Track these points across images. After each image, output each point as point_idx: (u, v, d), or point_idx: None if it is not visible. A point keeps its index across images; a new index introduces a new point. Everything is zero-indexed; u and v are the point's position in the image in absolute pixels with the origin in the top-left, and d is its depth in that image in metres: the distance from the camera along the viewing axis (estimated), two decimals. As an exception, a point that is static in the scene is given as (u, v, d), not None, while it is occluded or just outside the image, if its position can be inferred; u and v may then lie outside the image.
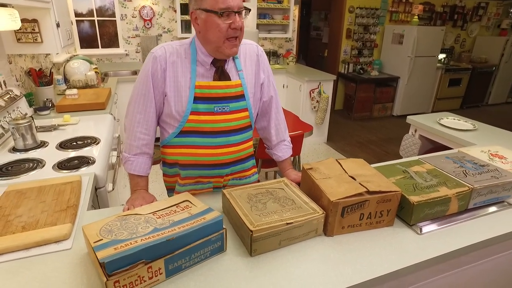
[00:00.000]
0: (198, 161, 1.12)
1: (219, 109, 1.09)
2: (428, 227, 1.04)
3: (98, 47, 4.01)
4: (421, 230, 1.02)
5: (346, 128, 4.97)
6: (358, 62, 5.65)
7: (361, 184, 1.01)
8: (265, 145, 1.36)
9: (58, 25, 2.13)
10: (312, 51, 7.08)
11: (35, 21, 1.98)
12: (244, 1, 3.90)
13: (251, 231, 0.85)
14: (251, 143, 1.22)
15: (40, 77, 2.22)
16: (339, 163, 1.17)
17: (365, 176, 1.07)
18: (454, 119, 2.30)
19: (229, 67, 1.13)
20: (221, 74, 1.11)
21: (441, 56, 5.81)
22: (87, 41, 3.96)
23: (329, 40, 5.78)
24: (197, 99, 1.07)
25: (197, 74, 1.08)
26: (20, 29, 1.93)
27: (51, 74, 2.30)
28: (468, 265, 1.06)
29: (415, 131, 2.37)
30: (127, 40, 4.16)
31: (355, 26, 5.41)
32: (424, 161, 1.32)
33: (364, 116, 5.54)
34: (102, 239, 0.78)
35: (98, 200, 1.42)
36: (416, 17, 5.45)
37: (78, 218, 1.03)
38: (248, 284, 0.79)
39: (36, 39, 1.98)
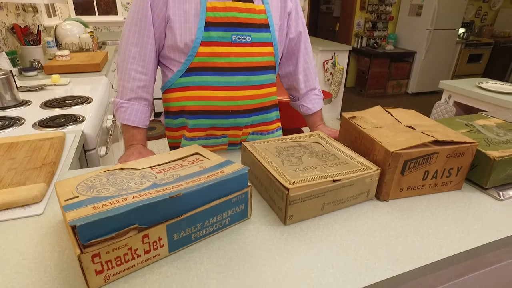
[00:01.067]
0: (210, 107, 0.87)
1: (239, 38, 0.84)
2: (508, 192, 0.80)
3: (94, 14, 3.71)
4: (499, 195, 0.78)
5: (360, 105, 4.69)
6: (372, 36, 5.31)
7: (425, 133, 0.77)
8: (290, 96, 1.11)
9: (43, -28, 1.86)
10: (322, 27, 6.70)
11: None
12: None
13: (287, 189, 0.61)
14: (275, 88, 0.97)
15: (25, 34, 1.96)
16: (388, 112, 0.92)
17: (425, 126, 0.83)
18: (495, 83, 2.03)
19: None
20: None
21: (460, 30, 5.44)
22: (82, 7, 3.66)
23: (342, 12, 5.42)
24: (209, 25, 0.82)
25: None
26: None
27: (38, 33, 2.04)
28: None
29: (449, 97, 2.10)
30: (126, 7, 3.85)
31: (370, -4, 5.05)
32: (487, 115, 1.07)
33: (378, 93, 5.25)
34: (78, 196, 0.54)
35: (88, 165, 1.19)
36: (436, -14, 5.06)
37: (56, 178, 0.80)
38: (284, 260, 0.56)
39: (16, -16, 1.72)
